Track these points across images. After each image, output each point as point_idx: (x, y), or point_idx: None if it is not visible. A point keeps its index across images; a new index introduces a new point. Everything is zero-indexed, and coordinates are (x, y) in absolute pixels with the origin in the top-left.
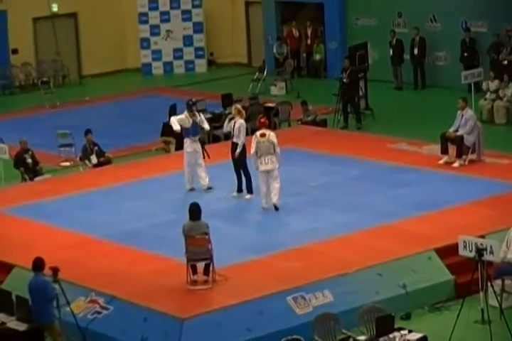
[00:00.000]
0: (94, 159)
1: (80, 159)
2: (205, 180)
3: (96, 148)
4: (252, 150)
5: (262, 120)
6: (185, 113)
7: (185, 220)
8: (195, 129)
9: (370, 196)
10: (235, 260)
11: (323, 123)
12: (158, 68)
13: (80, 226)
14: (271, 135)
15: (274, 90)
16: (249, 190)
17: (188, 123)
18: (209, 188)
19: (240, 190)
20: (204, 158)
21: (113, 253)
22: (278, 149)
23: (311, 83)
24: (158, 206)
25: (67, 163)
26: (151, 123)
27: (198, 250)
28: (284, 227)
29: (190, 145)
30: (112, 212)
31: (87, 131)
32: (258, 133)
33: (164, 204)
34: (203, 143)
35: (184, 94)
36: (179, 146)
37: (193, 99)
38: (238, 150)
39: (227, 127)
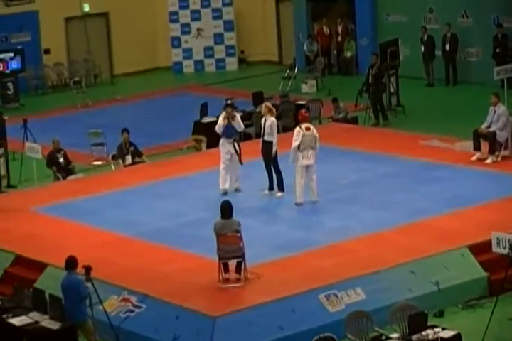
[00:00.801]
0: (128, 159)
1: (113, 158)
2: (234, 183)
3: (132, 148)
4: (296, 143)
5: (306, 114)
6: (223, 113)
7: (217, 218)
8: (228, 131)
9: (402, 193)
10: (266, 258)
11: (354, 121)
12: (189, 67)
13: (112, 225)
14: (314, 129)
15: (304, 88)
16: (281, 188)
17: (223, 124)
18: (236, 190)
19: (271, 187)
20: (240, 159)
21: (145, 251)
22: (318, 144)
23: (342, 80)
24: (189, 204)
25: (100, 162)
26: (182, 122)
27: (230, 248)
28: (316, 225)
29: (223, 146)
30: (144, 210)
31: (124, 130)
32: (303, 126)
33: (196, 203)
34: (238, 146)
35: (215, 92)
36: (210, 144)
37: (229, 101)
38: (274, 148)
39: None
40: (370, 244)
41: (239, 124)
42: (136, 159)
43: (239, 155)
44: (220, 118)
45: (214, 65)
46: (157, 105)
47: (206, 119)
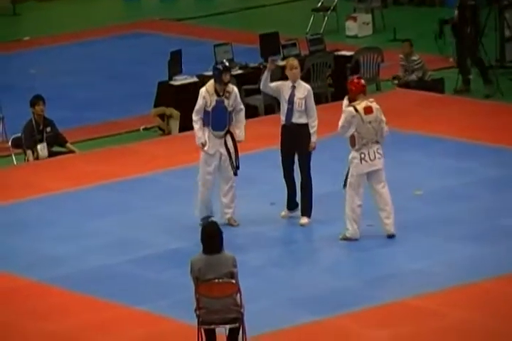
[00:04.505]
0: (43, 149)
1: (16, 144)
2: (228, 208)
3: (49, 129)
4: (348, 132)
5: (363, 82)
6: (211, 84)
7: (196, 253)
8: (219, 116)
9: None
10: (282, 322)
11: (437, 86)
12: None
13: (12, 262)
14: (378, 109)
15: (351, 28)
16: (307, 210)
17: (209, 105)
18: (231, 224)
19: (292, 205)
20: (234, 168)
21: (69, 308)
22: (386, 132)
23: (416, 15)
24: (147, 227)
25: None
26: (138, 84)
27: (219, 305)
28: (369, 268)
29: (209, 142)
30: (69, 237)
31: (36, 99)
32: (360, 106)
33: (159, 225)
34: (233, 142)
35: (194, 33)
36: (186, 124)
37: (224, 62)
38: (313, 138)
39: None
40: (465, 301)
41: (237, 105)
42: (56, 148)
43: (234, 159)
44: (202, 93)
45: None
46: (94, 53)
47: (179, 79)
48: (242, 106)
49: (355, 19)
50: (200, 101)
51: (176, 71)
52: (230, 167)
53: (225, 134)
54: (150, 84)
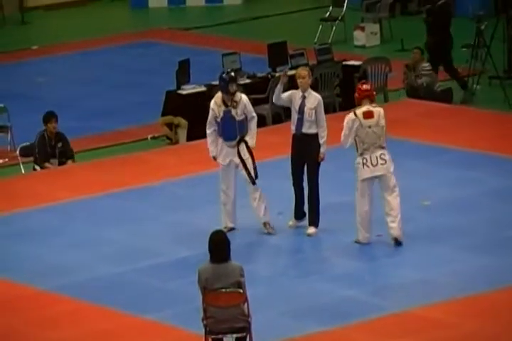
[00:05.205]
0: (54, 164)
1: (23, 155)
2: (260, 211)
3: (60, 144)
4: (347, 141)
5: (365, 87)
6: (218, 95)
7: (204, 262)
8: (228, 126)
9: None
10: (289, 331)
11: (446, 97)
12: None
13: (20, 271)
14: (381, 114)
15: (360, 38)
16: (314, 220)
17: (218, 116)
18: (268, 228)
19: (299, 214)
20: (251, 177)
21: (76, 317)
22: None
23: (424, 25)
24: (154, 236)
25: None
26: (146, 93)
27: (226, 314)
28: (376, 278)
29: (223, 152)
30: (75, 246)
31: (50, 116)
32: (360, 110)
33: (166, 234)
34: (248, 152)
35: (203, 42)
36: (193, 133)
37: (230, 71)
38: (322, 149)
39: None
40: (471, 312)
41: (248, 113)
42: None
43: (252, 168)
44: (211, 106)
45: None
46: (101, 62)
47: (187, 89)
48: (254, 114)
49: (363, 29)
50: (210, 114)
51: (184, 80)
52: (247, 175)
53: (238, 143)
54: (158, 93)
